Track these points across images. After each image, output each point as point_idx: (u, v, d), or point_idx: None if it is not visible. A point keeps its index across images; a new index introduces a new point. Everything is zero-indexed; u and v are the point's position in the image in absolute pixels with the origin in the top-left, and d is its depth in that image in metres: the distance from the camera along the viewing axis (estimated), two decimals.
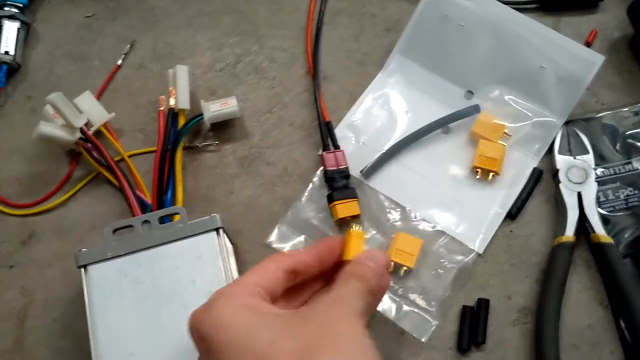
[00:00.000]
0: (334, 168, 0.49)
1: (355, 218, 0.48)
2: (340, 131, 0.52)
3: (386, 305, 0.46)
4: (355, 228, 0.39)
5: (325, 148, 0.50)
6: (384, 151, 0.50)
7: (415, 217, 0.49)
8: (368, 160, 0.50)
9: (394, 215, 0.49)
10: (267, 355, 0.28)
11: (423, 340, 0.45)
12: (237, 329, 0.30)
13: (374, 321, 0.46)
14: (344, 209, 0.47)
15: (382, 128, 0.52)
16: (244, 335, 0.29)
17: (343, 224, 0.49)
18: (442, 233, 0.48)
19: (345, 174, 0.49)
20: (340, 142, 0.51)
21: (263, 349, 0.29)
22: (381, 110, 0.53)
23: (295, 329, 0.30)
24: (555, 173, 0.49)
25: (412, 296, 0.46)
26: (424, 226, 0.49)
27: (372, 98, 0.53)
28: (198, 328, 0.31)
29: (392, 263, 0.46)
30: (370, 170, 0.50)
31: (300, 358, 0.28)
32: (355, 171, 0.50)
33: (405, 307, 0.46)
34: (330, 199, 0.48)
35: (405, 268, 0.46)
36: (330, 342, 0.29)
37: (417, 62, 0.53)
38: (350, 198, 0.48)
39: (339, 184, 0.49)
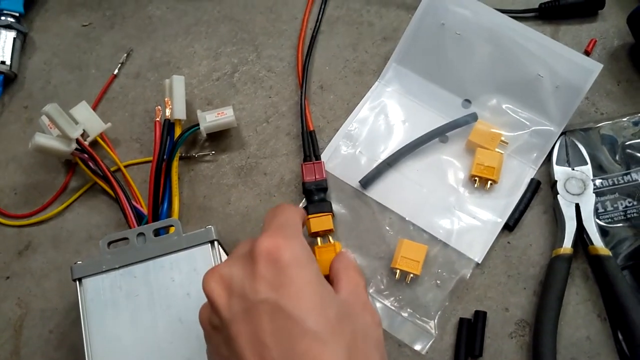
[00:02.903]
0: (312, 181, 0.49)
1: (328, 232, 0.48)
2: (337, 140, 0.52)
3: (384, 316, 0.46)
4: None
5: (306, 158, 0.50)
6: (381, 161, 0.50)
7: (414, 227, 0.49)
8: (365, 169, 0.50)
9: (392, 225, 0.49)
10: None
11: (421, 351, 0.45)
12: (316, 271, 0.33)
13: None
14: (318, 223, 0.47)
15: (379, 137, 0.52)
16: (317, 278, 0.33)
17: (318, 236, 0.48)
18: (440, 243, 0.48)
19: (322, 186, 0.49)
20: (337, 152, 0.51)
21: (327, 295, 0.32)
22: (378, 120, 0.52)
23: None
24: (553, 184, 0.49)
25: (411, 307, 0.46)
26: (423, 236, 0.48)
27: (369, 107, 0.53)
28: (280, 255, 0.32)
29: (398, 271, 0.46)
30: (368, 180, 0.50)
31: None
32: (352, 181, 0.50)
33: (404, 319, 0.46)
34: (305, 212, 0.48)
35: (411, 275, 0.46)
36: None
37: (414, 70, 0.53)
38: (325, 212, 0.48)
39: (315, 197, 0.49)
